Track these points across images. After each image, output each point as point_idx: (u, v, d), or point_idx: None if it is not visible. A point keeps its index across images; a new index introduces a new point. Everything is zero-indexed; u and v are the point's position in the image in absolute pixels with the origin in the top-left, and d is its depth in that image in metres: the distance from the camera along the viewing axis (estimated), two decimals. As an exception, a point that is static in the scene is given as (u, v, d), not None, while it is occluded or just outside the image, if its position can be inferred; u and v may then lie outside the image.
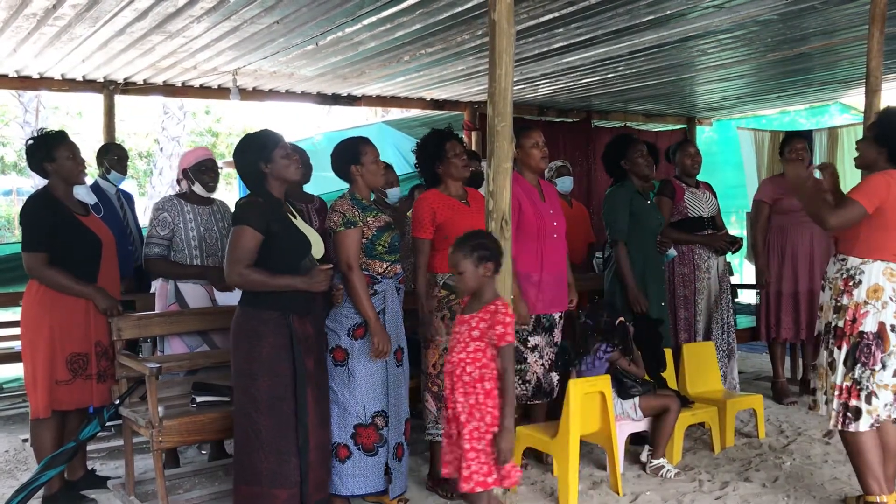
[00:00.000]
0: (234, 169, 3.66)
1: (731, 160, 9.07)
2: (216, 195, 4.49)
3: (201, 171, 4.33)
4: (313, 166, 4.77)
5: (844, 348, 3.52)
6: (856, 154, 3.75)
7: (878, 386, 3.47)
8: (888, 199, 3.44)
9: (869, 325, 3.47)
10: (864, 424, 3.48)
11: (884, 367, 3.47)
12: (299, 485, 3.31)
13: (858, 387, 3.48)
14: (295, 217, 3.49)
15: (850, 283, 3.52)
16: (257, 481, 3.28)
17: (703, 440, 4.83)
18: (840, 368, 3.52)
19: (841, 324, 3.54)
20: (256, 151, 3.37)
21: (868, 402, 3.47)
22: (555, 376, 4.33)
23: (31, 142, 3.94)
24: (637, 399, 4.23)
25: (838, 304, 3.56)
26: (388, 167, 5.27)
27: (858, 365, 3.48)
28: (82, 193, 4.05)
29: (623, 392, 4.23)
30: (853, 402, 3.49)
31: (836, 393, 3.54)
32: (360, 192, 3.74)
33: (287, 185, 3.50)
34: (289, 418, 3.30)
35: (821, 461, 4.44)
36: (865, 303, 3.48)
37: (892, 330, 3.47)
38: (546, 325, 4.27)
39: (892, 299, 3.47)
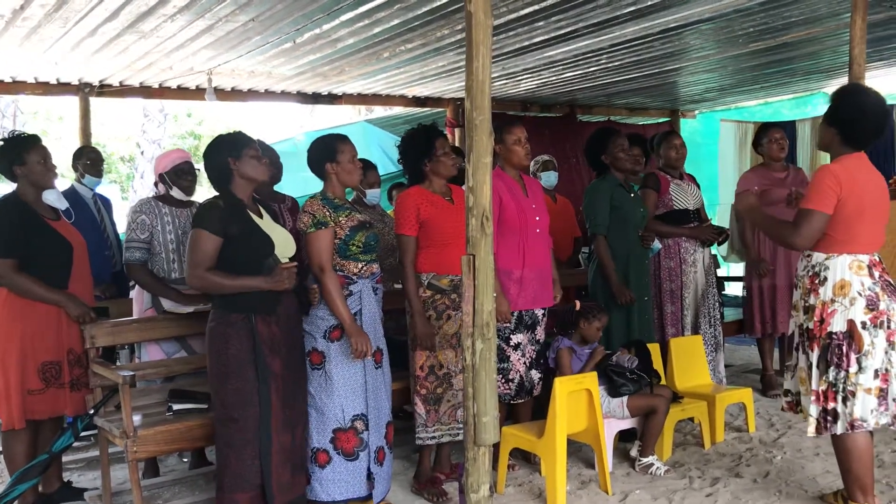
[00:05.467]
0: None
1: (716, 152, 9.05)
2: (197, 196, 4.38)
3: (178, 174, 4.23)
4: (295, 167, 4.69)
5: (816, 351, 3.34)
6: None
7: (858, 387, 3.27)
8: (842, 191, 3.24)
9: (837, 325, 3.28)
10: (840, 427, 3.31)
11: (860, 368, 3.27)
12: (260, 487, 3.28)
13: (834, 389, 3.30)
14: (261, 217, 3.48)
15: (816, 281, 3.34)
16: (221, 487, 3.28)
17: (693, 435, 4.78)
18: (814, 372, 3.36)
19: (811, 325, 3.36)
20: (227, 148, 3.42)
21: (844, 404, 3.30)
22: (535, 374, 4.26)
23: (1, 143, 3.85)
24: (625, 398, 4.17)
25: (807, 303, 3.39)
26: (372, 168, 5.22)
27: (832, 367, 3.30)
28: (52, 198, 3.94)
29: (613, 390, 4.17)
30: (831, 405, 3.32)
31: (813, 399, 3.36)
32: (333, 191, 3.67)
33: (254, 186, 3.51)
34: (255, 421, 3.28)
35: (812, 454, 4.39)
36: (832, 301, 3.29)
37: (864, 327, 3.26)
38: (528, 323, 4.20)
39: (860, 294, 3.26)
